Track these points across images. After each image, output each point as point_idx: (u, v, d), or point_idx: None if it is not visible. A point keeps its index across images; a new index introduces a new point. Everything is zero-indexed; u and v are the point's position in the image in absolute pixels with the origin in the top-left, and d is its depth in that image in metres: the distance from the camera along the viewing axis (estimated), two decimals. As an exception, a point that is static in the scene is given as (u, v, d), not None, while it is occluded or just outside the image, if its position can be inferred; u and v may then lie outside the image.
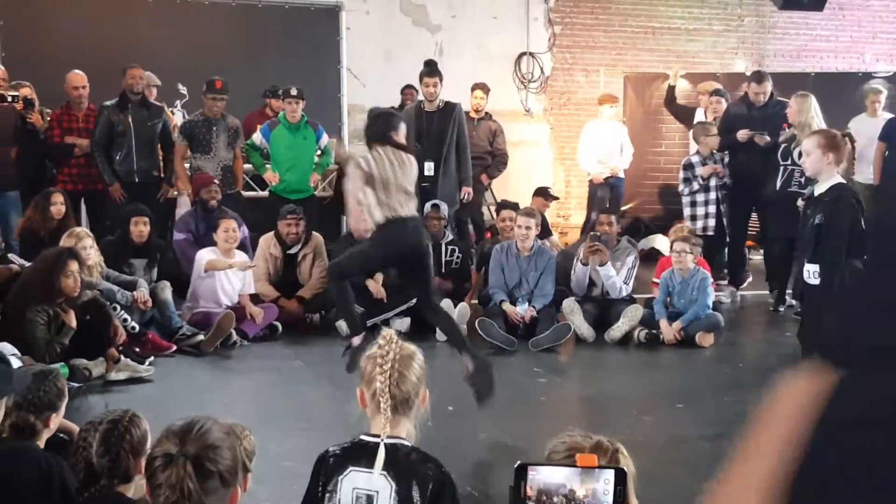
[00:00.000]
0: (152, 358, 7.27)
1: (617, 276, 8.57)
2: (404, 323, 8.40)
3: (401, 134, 6.24)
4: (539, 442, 2.51)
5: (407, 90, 11.08)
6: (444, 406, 6.24)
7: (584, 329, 8.32)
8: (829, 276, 5.94)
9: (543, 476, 2.00)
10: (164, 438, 2.35)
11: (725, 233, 10.11)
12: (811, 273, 6.05)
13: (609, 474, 2.00)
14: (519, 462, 2.00)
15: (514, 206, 9.48)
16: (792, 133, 8.99)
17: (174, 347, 7.67)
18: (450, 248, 9.04)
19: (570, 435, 2.42)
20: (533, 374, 7.36)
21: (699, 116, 11.55)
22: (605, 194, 11.44)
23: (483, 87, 10.79)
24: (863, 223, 6.06)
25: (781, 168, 9.09)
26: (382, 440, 2.86)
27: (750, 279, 10.35)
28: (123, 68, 9.43)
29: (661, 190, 12.66)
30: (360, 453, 2.87)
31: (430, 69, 9.58)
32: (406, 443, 2.92)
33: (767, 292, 9.79)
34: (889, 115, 10.68)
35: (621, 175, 11.69)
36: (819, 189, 6.12)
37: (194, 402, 6.34)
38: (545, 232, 10.07)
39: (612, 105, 11.63)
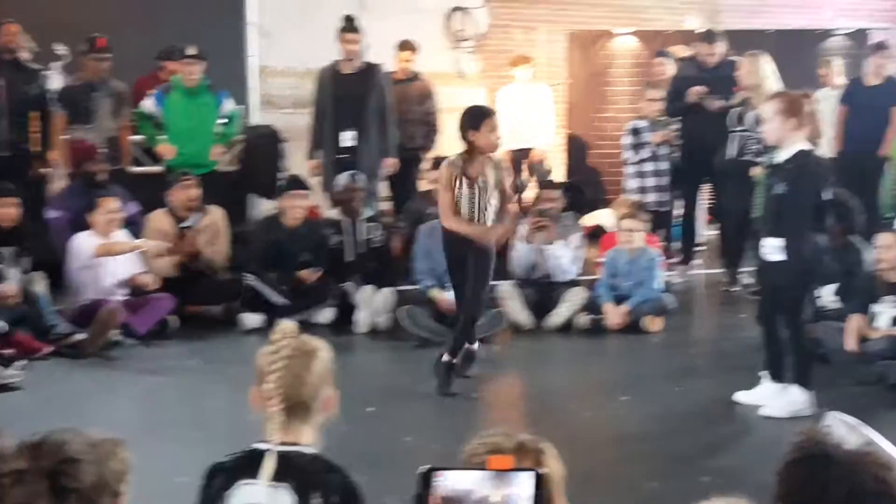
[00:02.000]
0: (24, 362, 7.08)
1: (564, 257, 8.60)
2: (327, 314, 8.35)
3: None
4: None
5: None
6: (364, 407, 6.23)
7: (522, 316, 8.34)
8: (796, 248, 5.98)
9: (451, 482, 1.97)
10: (14, 453, 2.28)
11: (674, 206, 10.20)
12: (772, 248, 6.07)
13: (527, 478, 1.98)
14: (426, 466, 1.97)
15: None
16: (744, 97, 9.05)
17: (49, 348, 7.46)
18: (369, 225, 8.96)
19: (491, 435, 2.41)
20: (463, 367, 7.36)
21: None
22: (539, 166, 11.46)
23: (410, 46, 10.72)
24: (824, 194, 6.09)
25: (734, 135, 9.15)
26: (273, 448, 2.81)
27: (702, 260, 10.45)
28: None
29: (607, 160, 12.70)
30: (252, 464, 2.81)
31: (351, 24, 9.49)
32: (307, 450, 2.86)
33: (721, 270, 9.87)
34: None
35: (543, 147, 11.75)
36: (781, 156, 6.14)
37: (72, 411, 6.13)
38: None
39: (526, 66, 11.66)
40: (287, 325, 2.94)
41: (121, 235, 8.30)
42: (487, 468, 2.01)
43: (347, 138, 9.41)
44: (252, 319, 8.29)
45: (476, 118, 6.72)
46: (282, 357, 2.85)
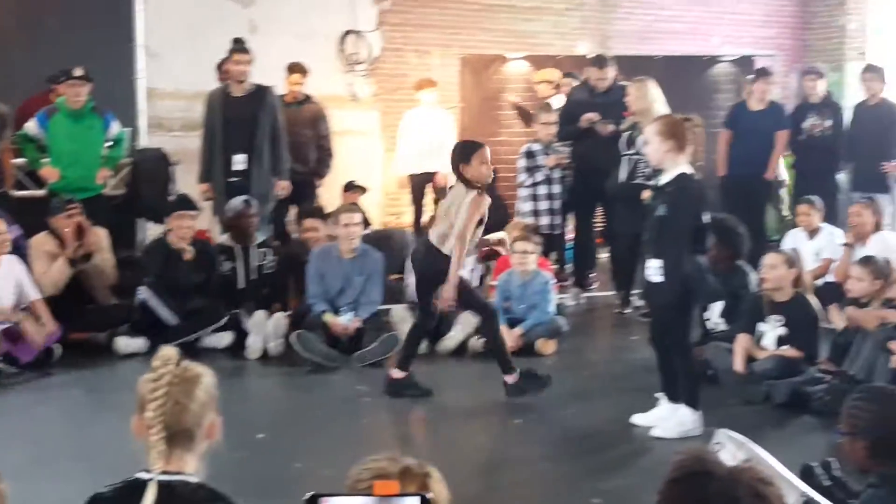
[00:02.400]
0: None
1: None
2: (224, 338, 8.24)
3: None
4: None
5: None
6: (254, 433, 6.17)
7: (416, 340, 8.32)
8: (674, 270, 6.08)
9: None
10: None
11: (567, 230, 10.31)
12: (654, 269, 6.17)
13: (414, 503, 1.97)
14: (310, 493, 1.95)
15: (317, 213, 9.46)
16: (633, 121, 9.21)
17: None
18: (261, 251, 8.87)
19: (376, 460, 2.39)
20: (356, 392, 7.35)
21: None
22: (442, 191, 11.51)
23: (300, 69, 10.67)
24: (703, 217, 6.21)
25: (625, 158, 9.30)
26: (155, 477, 2.76)
27: (596, 283, 10.56)
28: None
29: (500, 184, 12.78)
30: (134, 494, 2.77)
31: (242, 46, 9.43)
32: (191, 479, 2.83)
33: (613, 293, 10.00)
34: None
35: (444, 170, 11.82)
36: (663, 179, 6.25)
37: None
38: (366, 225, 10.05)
39: (431, 90, 11.73)
40: (168, 352, 2.90)
41: (6, 260, 8.01)
42: (373, 493, 2.00)
43: (238, 161, 9.33)
44: (130, 344, 8.15)
45: (466, 152, 6.95)
46: (162, 384, 2.82)
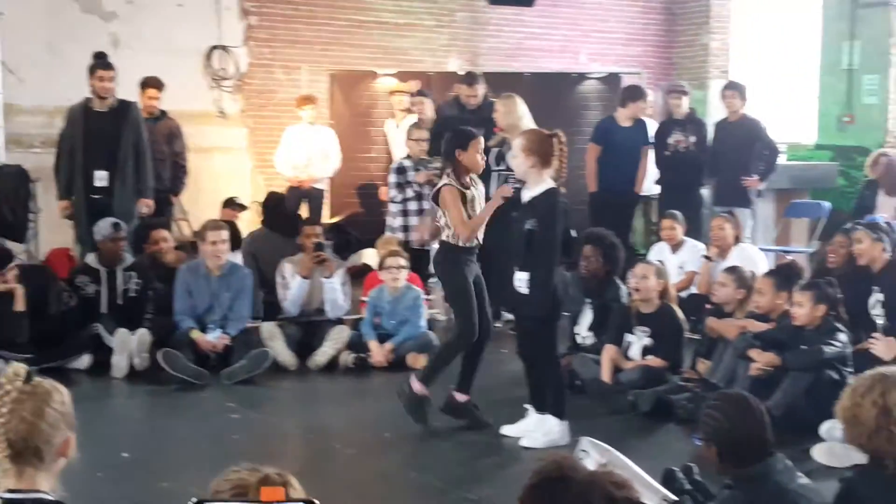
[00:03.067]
0: None
1: (338, 291, 8.67)
2: (83, 360, 8.11)
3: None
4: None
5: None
6: (119, 452, 6.11)
7: (286, 356, 8.33)
8: (541, 282, 6.23)
9: None
10: None
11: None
12: (521, 281, 6.31)
13: None
14: (195, 499, 1.99)
15: (164, 225, 9.44)
16: (502, 137, 9.36)
17: None
18: (126, 274, 8.72)
19: (236, 471, 2.42)
20: (226, 409, 7.31)
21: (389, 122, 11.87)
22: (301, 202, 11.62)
23: (156, 84, 10.58)
24: (570, 231, 6.38)
25: (495, 174, 9.44)
26: (2, 495, 2.75)
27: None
28: None
29: (371, 200, 12.85)
30: None
31: (103, 61, 9.34)
32: (46, 496, 2.80)
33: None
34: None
35: (320, 186, 11.89)
36: (529, 194, 6.39)
37: None
38: (236, 242, 10.02)
39: (312, 107, 11.77)
40: (16, 368, 2.87)
41: None
42: (261, 499, 2.04)
43: (100, 178, 9.22)
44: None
45: (465, 138, 6.86)
46: (7, 401, 2.80)
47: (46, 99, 10.60)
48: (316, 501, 2.07)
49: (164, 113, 10.56)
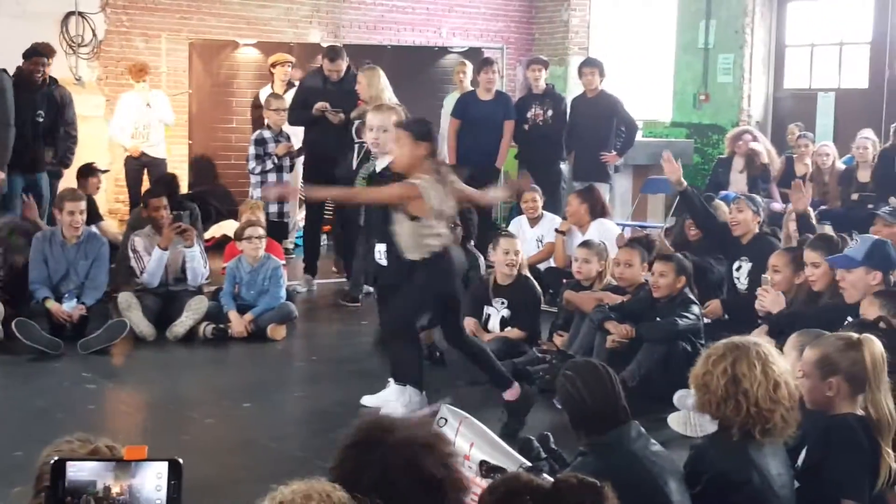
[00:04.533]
0: None
1: (198, 260, 8.55)
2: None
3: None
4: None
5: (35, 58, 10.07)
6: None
7: (143, 326, 8.17)
8: (397, 254, 6.25)
9: (74, 473, 1.96)
10: None
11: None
12: (380, 253, 6.31)
13: (161, 467, 1.98)
14: (54, 458, 1.95)
15: None
16: (364, 109, 9.32)
17: None
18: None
19: (68, 441, 2.38)
20: (81, 379, 7.16)
21: (265, 90, 11.74)
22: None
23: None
24: None
25: (357, 146, 9.40)
26: None
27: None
28: None
29: (232, 171, 12.69)
30: None
31: None
32: None
33: (344, 280, 10.10)
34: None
35: (161, 155, 11.79)
36: (381, 164, 6.39)
37: None
38: (94, 216, 9.79)
39: (143, 81, 11.82)
40: None
41: None
42: (125, 458, 2.01)
43: None
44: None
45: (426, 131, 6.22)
46: None
47: None
48: (179, 460, 2.04)
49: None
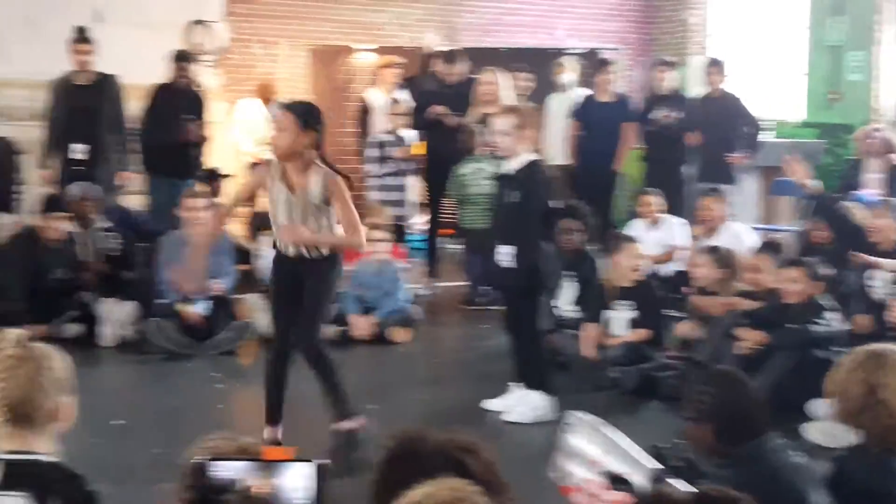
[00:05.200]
0: None
1: None
2: (73, 328, 8.03)
3: None
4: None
5: (180, 63, 10.29)
6: (109, 419, 6.09)
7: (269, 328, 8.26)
8: (526, 255, 6.20)
9: (219, 471, 2.00)
10: None
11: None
12: (505, 255, 6.28)
13: (306, 469, 1.99)
14: (201, 458, 1.98)
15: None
16: (482, 113, 9.31)
17: None
18: (106, 235, 8.71)
19: (212, 439, 2.42)
20: (210, 379, 7.30)
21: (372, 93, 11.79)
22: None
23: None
24: (552, 202, 6.36)
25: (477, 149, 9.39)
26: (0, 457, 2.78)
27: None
28: None
29: (350, 175, 12.77)
30: None
31: (82, 35, 9.26)
32: (44, 458, 2.82)
33: (465, 283, 10.08)
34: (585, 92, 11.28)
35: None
36: (511, 166, 6.36)
37: None
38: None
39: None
40: (11, 333, 2.88)
41: None
42: (265, 458, 2.02)
43: (77, 151, 9.20)
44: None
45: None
46: (2, 367, 2.81)
47: (31, 73, 10.44)
48: (325, 462, 2.05)
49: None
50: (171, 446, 5.66)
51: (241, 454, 2.28)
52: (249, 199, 6.32)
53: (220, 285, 8.12)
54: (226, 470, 2.01)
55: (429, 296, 10.03)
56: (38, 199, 8.89)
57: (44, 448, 2.83)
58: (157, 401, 6.84)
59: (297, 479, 2.01)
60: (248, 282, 9.02)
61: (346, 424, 5.73)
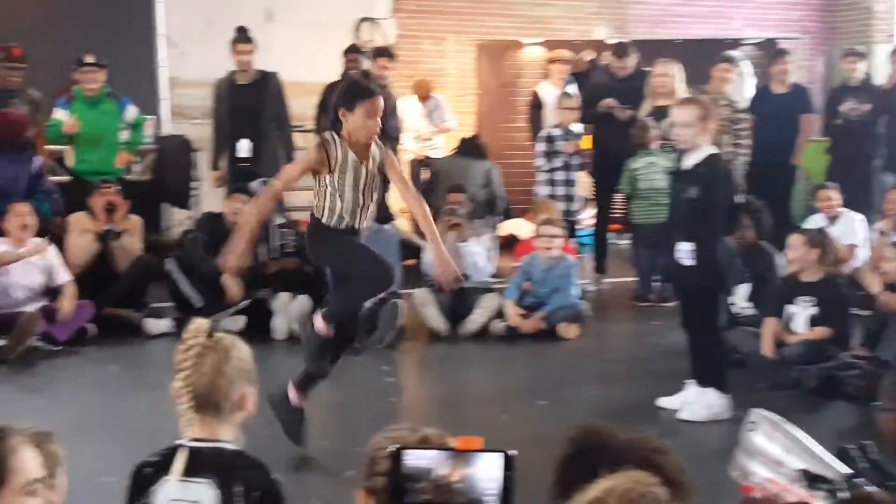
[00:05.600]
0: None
1: (479, 254, 8.59)
2: (238, 321, 8.20)
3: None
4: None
5: (350, 55, 10.29)
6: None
7: (437, 322, 8.30)
8: (707, 252, 6.02)
9: (414, 460, 2.00)
10: None
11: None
12: (685, 252, 6.11)
13: (494, 459, 2.00)
14: (395, 446, 1.99)
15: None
16: (658, 104, 9.14)
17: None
18: (282, 231, 8.79)
19: (397, 429, 2.44)
20: (381, 373, 7.35)
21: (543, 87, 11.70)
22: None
23: (385, 53, 10.57)
24: (735, 197, 6.15)
25: (668, 146, 9.21)
26: (187, 444, 2.84)
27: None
28: None
29: (517, 170, 12.75)
30: (173, 460, 2.83)
31: (243, 35, 9.47)
32: (228, 446, 2.88)
33: (633, 279, 9.93)
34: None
35: (437, 155, 11.98)
36: (690, 160, 6.17)
37: None
38: (386, 216, 9.99)
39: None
40: (200, 323, 2.94)
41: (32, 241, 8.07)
42: (456, 448, 2.02)
43: (243, 148, 9.39)
44: (159, 324, 8.26)
45: (354, 96, 5.50)
46: (191, 355, 2.87)
47: (206, 72, 10.72)
48: (513, 452, 2.01)
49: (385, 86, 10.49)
50: (342, 439, 5.75)
51: (427, 444, 2.28)
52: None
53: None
54: (419, 459, 1.99)
55: (597, 292, 9.91)
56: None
57: (228, 436, 2.89)
58: (326, 394, 6.89)
59: (487, 468, 1.99)
60: (414, 277, 9.06)
61: (292, 392, 5.59)
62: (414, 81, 12.41)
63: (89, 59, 9.21)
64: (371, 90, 5.59)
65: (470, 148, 11.19)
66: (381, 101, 5.49)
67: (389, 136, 10.16)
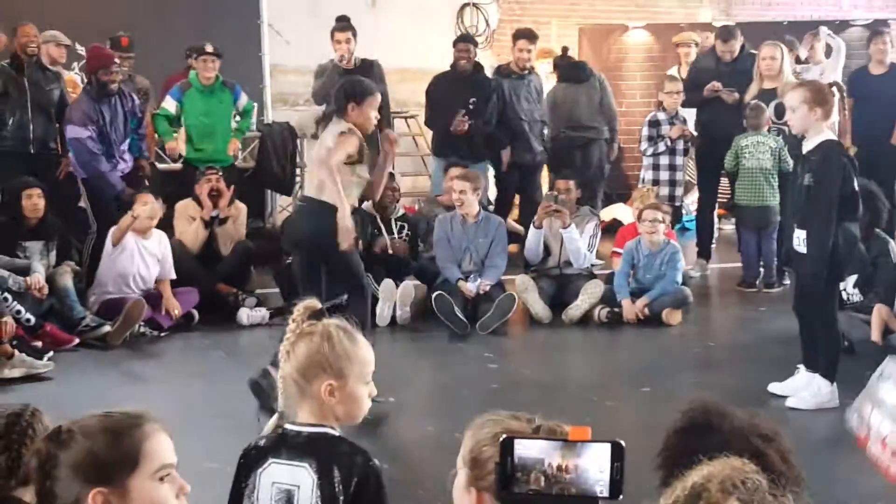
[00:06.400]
0: (51, 353, 7.09)
1: (580, 241, 8.56)
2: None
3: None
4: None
5: (461, 44, 10.35)
6: (386, 396, 6.22)
7: (539, 308, 8.31)
8: (820, 240, 5.91)
9: (524, 450, 1.98)
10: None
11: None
12: (800, 239, 6.01)
13: (604, 449, 1.97)
14: (504, 436, 1.98)
15: None
16: (768, 87, 9.01)
17: (76, 340, 7.47)
18: (399, 223, 8.90)
19: (493, 418, 2.39)
20: (484, 359, 7.36)
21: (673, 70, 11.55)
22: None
23: (527, 35, 10.43)
24: (855, 183, 6.02)
25: (775, 129, 9.10)
26: (293, 428, 2.85)
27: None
28: (13, 26, 9.17)
29: (621, 154, 12.66)
30: (281, 444, 2.85)
31: (342, 24, 9.51)
32: (331, 431, 2.87)
33: (739, 265, 9.82)
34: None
35: None
36: (806, 147, 6.07)
37: (100, 400, 6.01)
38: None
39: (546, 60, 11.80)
40: (308, 304, 2.93)
41: (157, 235, 8.24)
42: (569, 438, 2.02)
43: None
44: (252, 316, 8.29)
45: (362, 92, 6.20)
46: (292, 338, 2.88)
47: (309, 59, 10.87)
48: (622, 442, 2.01)
49: (531, 69, 10.46)
50: (444, 424, 5.79)
51: (534, 433, 2.28)
52: None
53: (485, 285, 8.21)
54: (529, 448, 2.01)
55: (700, 277, 9.82)
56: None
57: (329, 421, 2.88)
58: (431, 379, 6.98)
59: (597, 458, 1.99)
60: (515, 263, 9.07)
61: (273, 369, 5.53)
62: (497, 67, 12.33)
63: (209, 47, 9.31)
64: (374, 87, 6.27)
65: (572, 72, 10.87)
66: (380, 97, 6.20)
67: (538, 120, 10.26)
